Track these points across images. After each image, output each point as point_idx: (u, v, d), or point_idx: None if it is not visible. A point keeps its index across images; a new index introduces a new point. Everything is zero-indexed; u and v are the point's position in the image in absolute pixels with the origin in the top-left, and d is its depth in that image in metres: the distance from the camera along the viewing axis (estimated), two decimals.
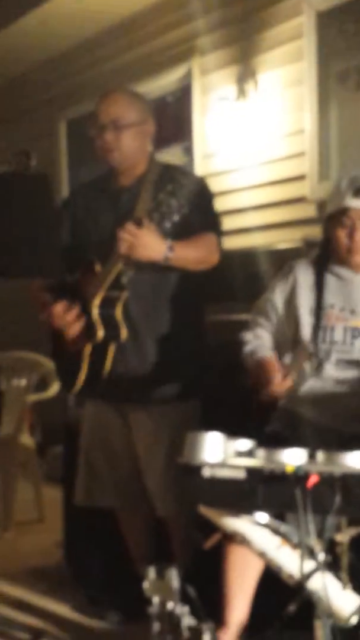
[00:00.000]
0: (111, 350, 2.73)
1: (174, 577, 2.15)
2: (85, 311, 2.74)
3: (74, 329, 2.74)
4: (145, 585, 2.17)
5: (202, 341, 2.92)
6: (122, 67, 5.48)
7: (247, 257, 3.99)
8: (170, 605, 2.14)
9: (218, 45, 4.80)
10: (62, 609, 3.23)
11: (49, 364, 4.66)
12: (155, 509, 2.82)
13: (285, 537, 2.14)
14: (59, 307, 2.76)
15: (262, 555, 2.18)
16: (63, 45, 5.77)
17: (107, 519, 3.08)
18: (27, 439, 4.54)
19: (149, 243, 2.61)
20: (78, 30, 5.51)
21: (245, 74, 4.63)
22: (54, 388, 4.56)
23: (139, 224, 2.59)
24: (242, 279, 3.77)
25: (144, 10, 5.17)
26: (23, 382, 4.62)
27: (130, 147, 2.82)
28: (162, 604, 2.15)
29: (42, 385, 4.69)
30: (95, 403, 2.96)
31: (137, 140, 2.83)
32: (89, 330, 2.72)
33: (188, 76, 5.04)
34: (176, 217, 2.57)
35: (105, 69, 5.63)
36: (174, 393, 2.80)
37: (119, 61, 5.50)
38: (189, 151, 5.14)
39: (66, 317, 2.74)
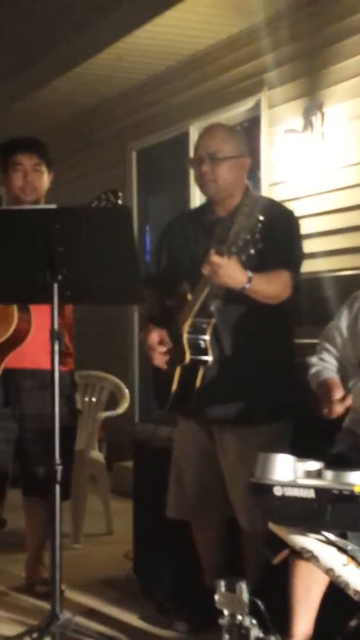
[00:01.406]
0: (200, 372, 2.92)
1: (244, 591, 2.30)
2: (177, 335, 2.94)
3: (160, 360, 2.97)
4: (217, 597, 2.32)
5: (291, 364, 3.08)
6: (192, 100, 5.69)
7: (312, 282, 4.14)
8: (239, 617, 2.30)
9: (286, 79, 4.97)
10: (132, 618, 3.37)
11: (118, 382, 4.87)
12: (237, 521, 2.98)
13: (351, 555, 2.28)
14: (154, 337, 2.98)
15: (328, 572, 2.31)
16: (136, 78, 6.01)
17: (175, 530, 3.25)
18: (97, 454, 4.74)
19: (230, 272, 2.78)
20: (151, 65, 5.74)
21: (312, 107, 4.80)
22: (124, 405, 4.75)
23: (221, 253, 2.76)
24: (307, 304, 3.91)
25: (215, 45, 5.37)
26: (95, 399, 4.82)
27: (226, 179, 3.00)
28: (232, 616, 2.31)
29: (112, 402, 4.88)
30: (186, 421, 3.14)
31: (233, 172, 3.01)
32: (178, 353, 2.92)
33: (256, 109, 5.23)
34: (258, 250, 2.74)
35: (175, 102, 5.85)
36: (261, 415, 2.97)
37: (189, 94, 5.71)
38: (256, 179, 5.31)
39: (158, 348, 2.95)
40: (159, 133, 6.07)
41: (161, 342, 3.03)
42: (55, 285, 2.83)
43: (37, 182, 3.60)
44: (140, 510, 3.70)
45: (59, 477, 2.87)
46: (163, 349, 3.01)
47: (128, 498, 5.30)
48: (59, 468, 2.87)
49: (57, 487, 2.88)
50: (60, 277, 2.82)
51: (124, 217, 2.85)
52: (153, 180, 6.37)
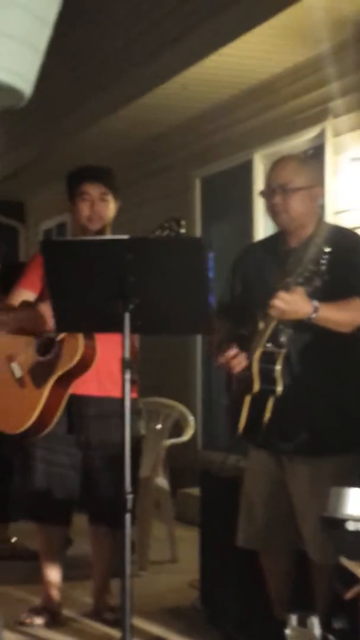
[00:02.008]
0: (270, 402, 2.93)
1: (315, 626, 2.29)
2: (248, 363, 2.96)
3: (239, 368, 2.98)
4: (288, 632, 2.32)
5: None
6: (256, 128, 5.72)
7: None
8: None
9: (352, 108, 4.97)
10: None
11: (183, 409, 4.89)
12: (307, 553, 2.97)
13: None
14: (231, 352, 3.00)
15: None
16: (200, 107, 6.06)
17: (243, 560, 3.24)
18: (161, 481, 4.76)
19: (296, 307, 2.80)
20: (215, 94, 5.79)
21: None
22: (189, 433, 4.76)
23: (288, 289, 2.79)
24: None
25: (280, 73, 5.39)
26: (159, 426, 4.84)
27: (298, 210, 3.03)
28: None
29: (175, 429, 4.90)
30: (257, 450, 3.15)
31: (305, 203, 3.04)
32: (248, 382, 2.94)
33: (321, 137, 5.23)
34: (325, 280, 2.75)
35: (239, 130, 5.89)
36: (332, 445, 2.97)
37: (254, 122, 5.74)
38: (320, 207, 5.31)
39: (234, 360, 2.98)
40: (223, 161, 6.11)
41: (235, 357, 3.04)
42: (127, 315, 2.87)
43: (103, 211, 3.65)
44: (207, 540, 3.70)
45: (129, 505, 2.88)
46: (239, 360, 3.01)
47: (191, 525, 5.34)
48: (130, 497, 2.88)
49: (128, 516, 2.89)
50: (131, 306, 2.85)
51: (197, 248, 2.88)
52: (217, 208, 6.40)
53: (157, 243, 2.97)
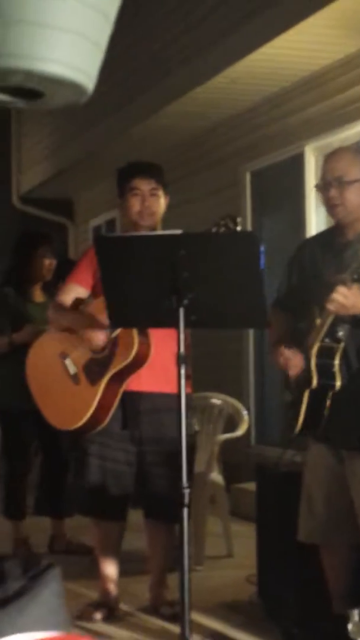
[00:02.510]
0: (328, 397, 2.91)
1: None
2: (306, 359, 2.95)
3: (295, 370, 2.97)
4: (350, 627, 2.29)
5: None
6: (307, 121, 5.67)
7: None
8: None
9: None
10: None
11: (237, 404, 4.88)
12: None
13: None
14: (287, 352, 2.99)
15: None
16: (250, 100, 6.03)
17: (302, 555, 3.22)
18: (216, 476, 4.75)
19: (356, 302, 2.78)
20: (265, 87, 5.75)
21: None
22: (243, 427, 4.75)
23: (346, 283, 2.76)
24: None
25: (331, 65, 5.34)
26: (214, 421, 4.84)
27: (354, 202, 3.00)
28: None
29: (229, 424, 4.89)
30: (317, 445, 3.13)
31: None
32: (307, 377, 2.92)
33: None
34: None
35: (290, 122, 5.84)
36: None
37: (304, 115, 5.69)
38: None
39: (291, 362, 2.96)
40: (273, 154, 6.07)
41: (293, 357, 3.02)
42: (181, 310, 2.87)
43: (154, 206, 3.66)
44: (264, 534, 3.68)
45: (186, 500, 2.88)
46: (296, 360, 3.00)
47: (246, 520, 5.34)
48: (187, 491, 2.88)
49: (185, 511, 2.89)
50: (185, 301, 2.85)
51: (250, 243, 2.86)
52: (267, 202, 6.37)
53: (210, 238, 2.96)
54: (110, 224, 8.81)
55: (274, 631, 3.42)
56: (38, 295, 4.78)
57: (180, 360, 2.95)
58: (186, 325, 2.90)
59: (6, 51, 1.08)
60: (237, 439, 4.89)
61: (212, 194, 6.65)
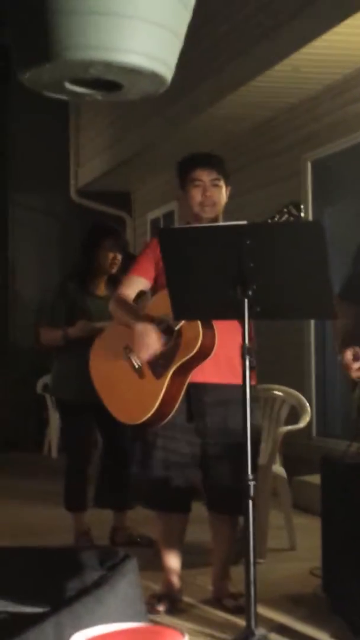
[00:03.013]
0: None
1: None
2: None
3: (357, 374, 2.90)
4: None
5: None
6: None
7: None
8: None
9: None
10: (323, 637, 3.33)
11: (299, 396, 4.83)
12: None
13: None
14: (347, 355, 2.96)
15: None
16: (312, 88, 5.96)
17: None
18: (279, 469, 4.72)
19: None
20: (327, 74, 5.68)
21: None
22: (306, 419, 4.70)
23: None
24: None
25: None
26: (276, 413, 4.80)
27: None
28: None
29: (291, 416, 4.84)
30: None
31: None
32: None
33: None
34: None
35: (352, 110, 5.76)
36: None
37: None
38: None
39: (352, 365, 2.92)
40: (335, 143, 5.99)
41: (356, 359, 2.98)
42: (246, 301, 2.84)
43: (215, 197, 3.63)
44: (329, 527, 3.64)
45: (252, 492, 2.86)
46: (357, 365, 2.96)
47: (307, 513, 5.31)
48: (252, 484, 2.86)
49: (250, 503, 2.87)
50: (250, 292, 2.83)
51: (317, 232, 2.82)
52: (329, 192, 6.29)
53: (276, 227, 2.93)
54: (168, 216, 8.81)
55: (339, 625, 3.38)
56: (101, 289, 4.78)
57: (245, 351, 2.93)
58: (251, 317, 2.88)
59: (86, 43, 1.08)
60: (298, 431, 4.85)
61: (273, 184, 6.60)
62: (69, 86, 1.20)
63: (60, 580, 2.16)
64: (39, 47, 1.15)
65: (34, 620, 1.92)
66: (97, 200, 9.63)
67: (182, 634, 1.75)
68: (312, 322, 6.32)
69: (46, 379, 8.54)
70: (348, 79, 5.72)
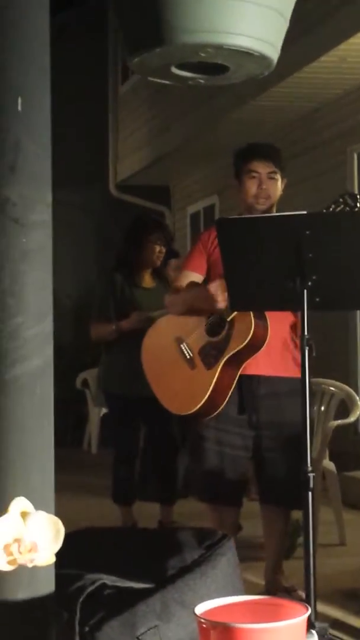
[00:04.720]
0: None
1: None
2: None
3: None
4: None
5: None
6: None
7: None
8: None
9: None
10: None
11: (349, 390, 4.79)
12: None
13: None
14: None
15: None
16: (357, 79, 5.90)
17: None
18: (328, 464, 4.68)
19: None
20: None
21: None
22: (356, 413, 4.66)
23: None
24: None
25: None
26: (326, 407, 4.76)
27: None
28: None
29: (343, 411, 4.80)
30: None
31: None
32: None
33: None
34: None
35: None
36: None
37: None
38: None
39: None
40: None
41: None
42: (305, 292, 2.81)
43: (271, 190, 3.60)
44: None
45: (311, 484, 2.83)
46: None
47: (355, 509, 5.27)
48: (311, 475, 2.83)
49: (310, 495, 2.84)
50: (309, 283, 2.80)
51: None
52: None
53: (336, 217, 2.90)
54: (209, 210, 8.78)
55: None
56: (147, 281, 4.78)
57: (303, 343, 2.90)
58: (310, 308, 2.85)
59: (198, 27, 1.07)
60: (344, 426, 4.81)
61: (318, 176, 6.54)
62: (175, 70, 1.19)
63: (162, 559, 2.25)
64: (151, 32, 1.15)
65: (141, 596, 2.02)
66: (136, 194, 9.63)
67: (306, 607, 1.76)
68: (358, 316, 6.27)
69: (85, 375, 8.57)
70: None
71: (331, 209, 3.09)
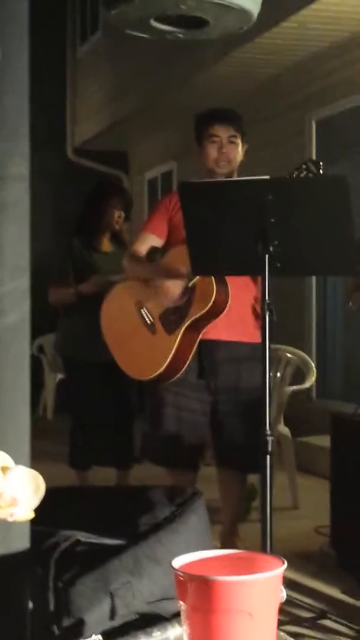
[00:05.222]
0: None
1: None
2: None
3: None
4: None
5: None
6: None
7: None
8: None
9: None
10: (334, 592, 3.37)
11: (305, 356, 4.84)
12: None
13: None
14: None
15: None
16: (318, 46, 5.88)
17: None
18: (283, 428, 4.74)
19: None
20: (334, 32, 5.60)
21: None
22: (311, 379, 4.71)
23: None
24: None
25: None
26: (281, 373, 4.80)
27: None
28: None
29: (298, 377, 4.86)
30: None
31: None
32: None
33: None
34: None
35: (358, 70, 5.70)
36: None
37: None
38: None
39: None
40: (340, 102, 5.94)
41: None
42: (267, 257, 2.82)
43: (231, 154, 3.60)
44: (338, 485, 3.66)
45: (270, 447, 2.86)
46: None
47: (307, 473, 5.35)
48: (270, 439, 2.86)
49: (269, 458, 2.88)
50: (271, 248, 2.80)
51: (341, 186, 2.78)
52: (333, 151, 6.25)
53: (299, 182, 2.90)
54: (166, 176, 8.74)
55: (348, 580, 3.42)
56: (106, 245, 4.76)
57: (264, 308, 2.91)
58: (271, 273, 2.85)
59: None
60: (298, 392, 4.87)
61: (278, 143, 6.54)
62: (154, 24, 1.17)
63: (134, 516, 2.28)
64: None
65: (114, 552, 2.05)
66: (93, 159, 9.54)
67: (282, 560, 1.81)
68: (313, 284, 6.31)
69: (41, 340, 8.52)
70: (355, 37, 5.65)
71: (294, 175, 3.11)
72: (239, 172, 3.67)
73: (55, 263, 4.77)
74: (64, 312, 4.75)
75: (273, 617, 1.91)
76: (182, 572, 1.76)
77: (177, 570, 1.77)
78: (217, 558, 1.94)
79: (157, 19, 1.12)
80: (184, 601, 1.79)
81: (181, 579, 1.75)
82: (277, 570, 1.84)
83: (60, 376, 8.07)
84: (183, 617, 1.82)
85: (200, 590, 1.72)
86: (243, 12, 1.09)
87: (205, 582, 1.73)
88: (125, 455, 4.77)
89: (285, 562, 1.90)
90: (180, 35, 1.17)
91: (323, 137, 6.26)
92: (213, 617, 1.76)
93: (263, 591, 1.81)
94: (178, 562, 1.82)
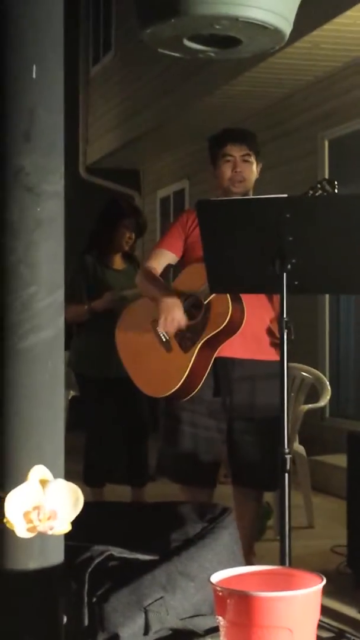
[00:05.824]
0: None
1: None
2: None
3: None
4: None
5: None
6: None
7: None
8: None
9: None
10: (351, 612, 3.35)
11: (320, 375, 4.83)
12: None
13: None
14: None
15: None
16: (329, 66, 5.91)
17: None
18: (298, 447, 4.72)
19: None
20: (346, 52, 5.63)
21: None
22: (326, 398, 4.70)
23: None
24: None
25: None
26: (296, 392, 4.80)
27: None
28: None
29: (312, 395, 4.85)
30: None
31: None
32: None
33: None
34: None
35: None
36: None
37: None
38: None
39: None
40: (353, 122, 5.96)
41: None
42: (285, 275, 2.82)
43: (246, 172, 3.62)
44: (356, 505, 3.65)
45: (288, 466, 2.86)
46: None
47: (322, 492, 5.33)
48: (289, 457, 2.86)
49: (287, 476, 2.87)
50: (289, 266, 2.81)
51: (359, 206, 2.79)
52: (346, 171, 6.26)
53: (317, 201, 2.91)
54: (179, 194, 8.77)
55: None
56: (118, 263, 4.78)
57: (282, 325, 2.92)
58: (289, 291, 2.86)
59: None
60: (312, 411, 4.85)
61: (291, 162, 6.56)
62: (187, 43, 1.18)
63: (166, 532, 2.28)
64: (167, 2, 1.13)
65: (147, 567, 2.05)
66: (105, 177, 9.58)
67: (321, 577, 1.80)
68: (327, 302, 6.31)
69: None
70: None
71: (310, 194, 3.13)
72: (254, 191, 3.69)
73: (68, 280, 4.78)
74: (77, 329, 4.76)
75: (312, 634, 1.90)
76: (221, 588, 1.75)
77: (215, 585, 1.76)
78: (254, 574, 1.93)
79: (190, 38, 1.13)
80: (222, 616, 1.78)
81: (220, 594, 1.74)
82: (317, 586, 1.83)
83: (73, 393, 8.06)
84: (222, 632, 1.81)
85: (240, 605, 1.71)
86: (276, 32, 1.11)
87: (245, 598, 1.72)
88: (139, 472, 4.76)
89: (324, 579, 1.89)
90: (213, 55, 1.18)
91: (336, 156, 6.28)
92: (253, 633, 1.75)
93: (303, 607, 1.79)
94: (216, 577, 1.81)
